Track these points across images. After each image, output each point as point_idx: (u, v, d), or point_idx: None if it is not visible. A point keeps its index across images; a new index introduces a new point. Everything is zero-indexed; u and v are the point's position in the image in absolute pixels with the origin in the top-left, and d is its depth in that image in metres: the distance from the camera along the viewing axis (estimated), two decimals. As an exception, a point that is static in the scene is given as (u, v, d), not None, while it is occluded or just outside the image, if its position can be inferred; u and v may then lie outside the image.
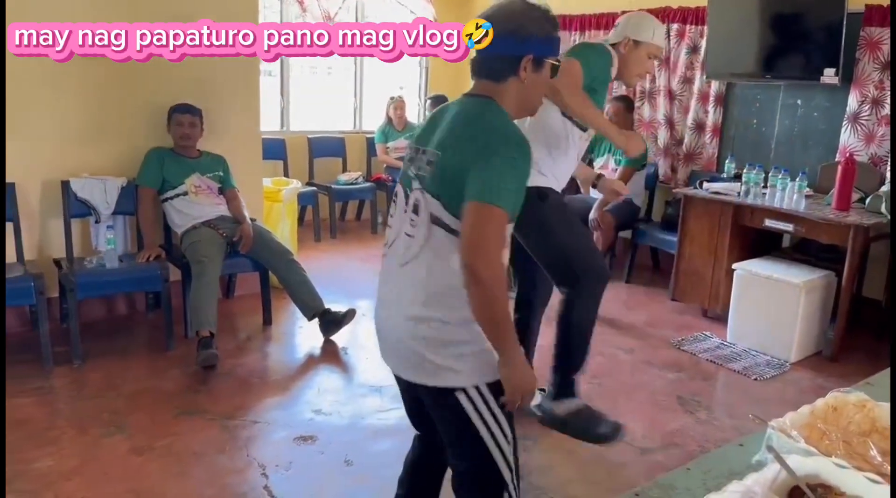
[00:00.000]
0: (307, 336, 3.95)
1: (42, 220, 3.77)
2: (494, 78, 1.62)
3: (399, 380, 1.76)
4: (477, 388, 1.60)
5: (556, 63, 1.66)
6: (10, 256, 3.62)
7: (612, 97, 5.38)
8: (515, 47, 1.59)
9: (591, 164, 5.53)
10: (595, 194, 5.25)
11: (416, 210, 1.61)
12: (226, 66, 4.20)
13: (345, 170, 6.46)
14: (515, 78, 1.61)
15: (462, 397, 1.59)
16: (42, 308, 3.37)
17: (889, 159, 4.05)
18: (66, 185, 3.72)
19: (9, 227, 3.58)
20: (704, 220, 4.33)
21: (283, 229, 4.58)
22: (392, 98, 6.41)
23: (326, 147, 6.36)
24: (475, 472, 1.66)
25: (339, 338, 3.88)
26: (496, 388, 1.59)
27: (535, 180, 2.65)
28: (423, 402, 1.71)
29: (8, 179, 3.55)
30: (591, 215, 5.08)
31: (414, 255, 1.60)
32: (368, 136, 6.63)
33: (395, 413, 3.11)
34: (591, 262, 2.71)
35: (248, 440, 2.85)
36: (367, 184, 6.34)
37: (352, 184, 6.25)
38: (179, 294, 3.81)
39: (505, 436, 1.63)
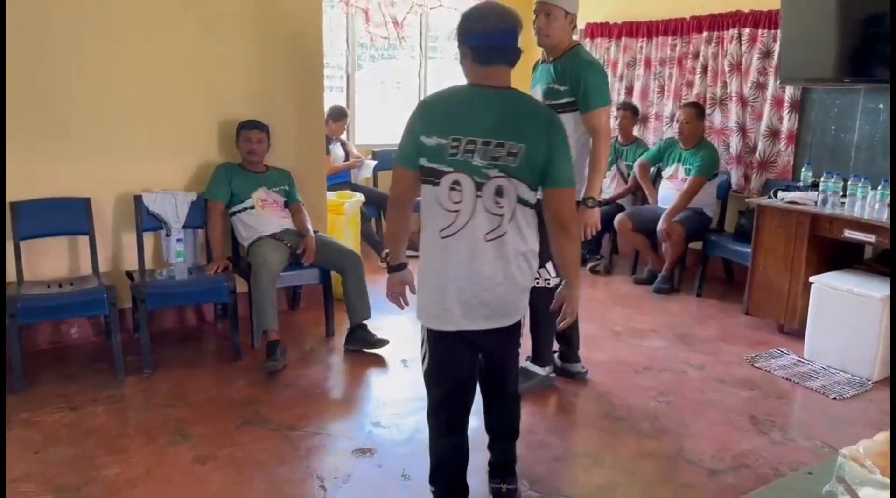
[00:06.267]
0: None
1: (115, 233, 3.90)
2: (512, 64, 2.07)
3: (468, 337, 2.16)
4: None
5: None
6: (86, 268, 3.76)
7: (682, 104, 5.24)
8: (517, 38, 2.05)
9: (659, 173, 5.40)
10: (664, 204, 5.12)
11: (500, 193, 2.02)
12: (291, 82, 4.30)
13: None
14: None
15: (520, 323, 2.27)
16: (114, 319, 3.49)
17: None
18: (138, 199, 3.84)
19: (84, 240, 3.73)
20: (780, 231, 4.15)
21: (347, 241, 4.62)
22: None
23: (391, 160, 6.34)
24: (516, 376, 2.41)
25: (400, 350, 3.87)
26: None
27: None
28: (487, 348, 2.23)
29: (83, 194, 3.70)
30: (660, 226, 4.95)
31: (503, 230, 2.05)
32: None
33: (455, 427, 3.07)
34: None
35: (308, 451, 2.86)
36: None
37: (416, 196, 6.27)
38: (246, 305, 3.88)
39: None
